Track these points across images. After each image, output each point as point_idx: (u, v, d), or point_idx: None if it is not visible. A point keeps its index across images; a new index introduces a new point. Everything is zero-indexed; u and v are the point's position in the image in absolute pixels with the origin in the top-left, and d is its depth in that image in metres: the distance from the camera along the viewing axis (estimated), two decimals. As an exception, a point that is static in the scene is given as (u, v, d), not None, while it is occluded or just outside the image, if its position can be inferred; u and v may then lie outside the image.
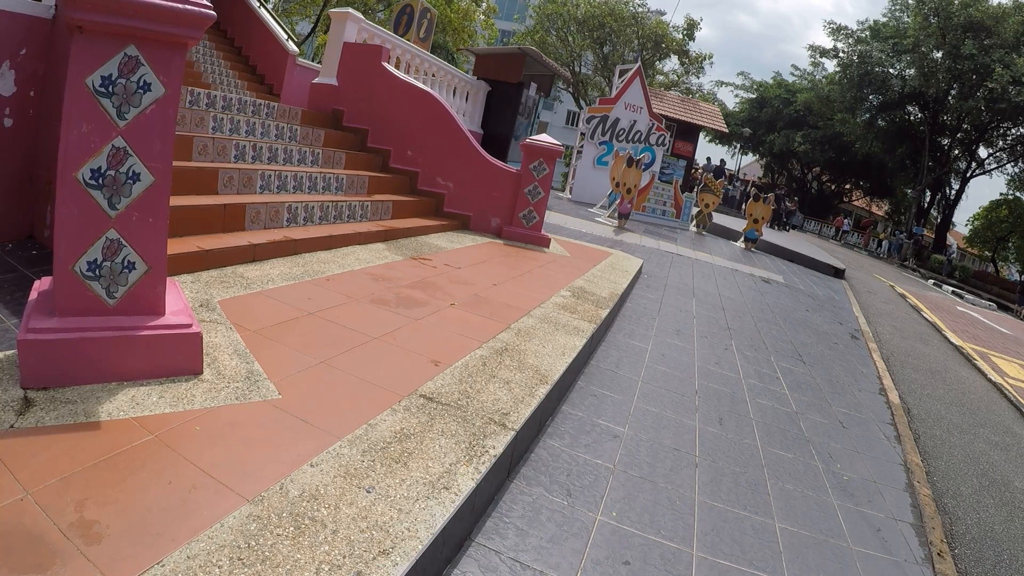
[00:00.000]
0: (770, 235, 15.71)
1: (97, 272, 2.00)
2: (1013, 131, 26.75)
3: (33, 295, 2.15)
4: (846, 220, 34.33)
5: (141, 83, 1.93)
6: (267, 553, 1.42)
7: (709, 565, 2.10)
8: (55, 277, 1.97)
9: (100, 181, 1.92)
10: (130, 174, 1.97)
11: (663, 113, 18.27)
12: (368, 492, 1.72)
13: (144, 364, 2.09)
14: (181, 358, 2.16)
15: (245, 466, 1.73)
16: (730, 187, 24.98)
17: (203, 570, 1.33)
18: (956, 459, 3.96)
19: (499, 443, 2.16)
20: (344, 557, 1.46)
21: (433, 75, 9.68)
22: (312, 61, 10.69)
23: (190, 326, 2.18)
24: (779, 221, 23.35)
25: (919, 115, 28.68)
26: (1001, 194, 30.53)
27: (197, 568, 1.33)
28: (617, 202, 11.93)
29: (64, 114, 1.86)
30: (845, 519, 2.68)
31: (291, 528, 1.52)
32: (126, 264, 2.05)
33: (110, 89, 1.88)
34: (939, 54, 25.56)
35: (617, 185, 12.08)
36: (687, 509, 2.42)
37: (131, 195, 1.99)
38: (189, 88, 5.11)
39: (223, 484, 1.64)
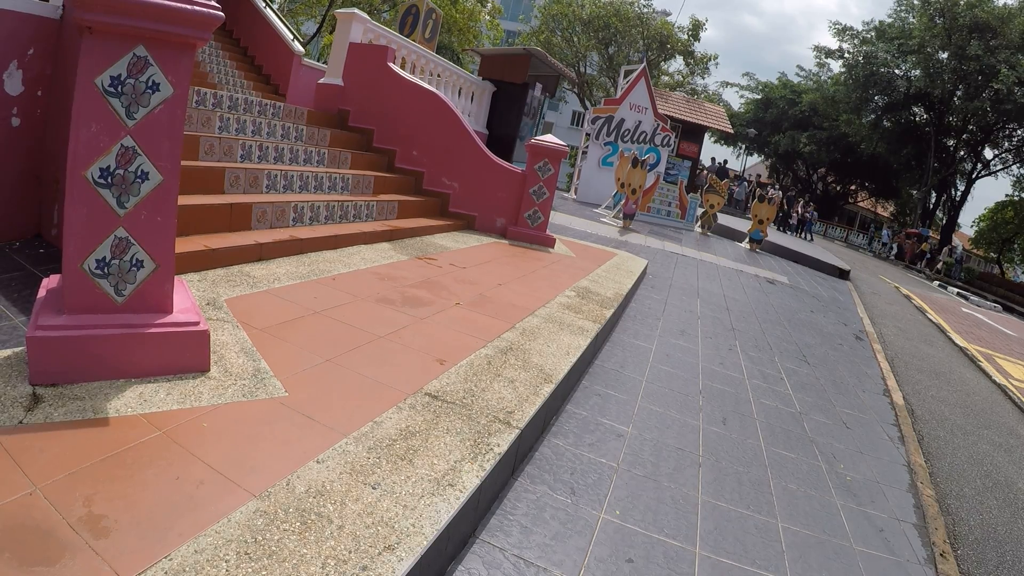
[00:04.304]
0: (775, 236, 15.66)
1: (106, 270, 2.02)
2: (1019, 132, 26.66)
3: (42, 292, 2.17)
4: (885, 231, 31.18)
5: (150, 83, 1.95)
6: (274, 548, 1.43)
7: (712, 564, 2.10)
8: (64, 275, 1.99)
9: (109, 180, 1.94)
10: (139, 173, 1.99)
11: (668, 114, 18.26)
12: (374, 488, 1.74)
13: (152, 361, 2.10)
14: (188, 355, 2.18)
15: (252, 462, 1.75)
16: (735, 187, 24.76)
17: (210, 564, 1.35)
18: (959, 460, 3.95)
19: (504, 441, 2.17)
20: (350, 552, 1.47)
21: (438, 75, 9.69)
22: (318, 61, 10.73)
23: (197, 324, 2.20)
24: (788, 225, 22.27)
25: (924, 116, 28.58)
26: (1007, 195, 30.39)
27: (204, 562, 1.35)
28: (622, 203, 11.93)
29: (74, 114, 1.87)
30: (848, 519, 2.68)
31: (297, 523, 1.53)
32: (134, 262, 2.06)
33: (119, 89, 1.90)
34: (945, 55, 25.49)
35: (622, 186, 12.07)
36: (690, 508, 2.42)
37: (139, 194, 2.01)
38: (196, 88, 5.14)
39: (230, 480, 1.65)
